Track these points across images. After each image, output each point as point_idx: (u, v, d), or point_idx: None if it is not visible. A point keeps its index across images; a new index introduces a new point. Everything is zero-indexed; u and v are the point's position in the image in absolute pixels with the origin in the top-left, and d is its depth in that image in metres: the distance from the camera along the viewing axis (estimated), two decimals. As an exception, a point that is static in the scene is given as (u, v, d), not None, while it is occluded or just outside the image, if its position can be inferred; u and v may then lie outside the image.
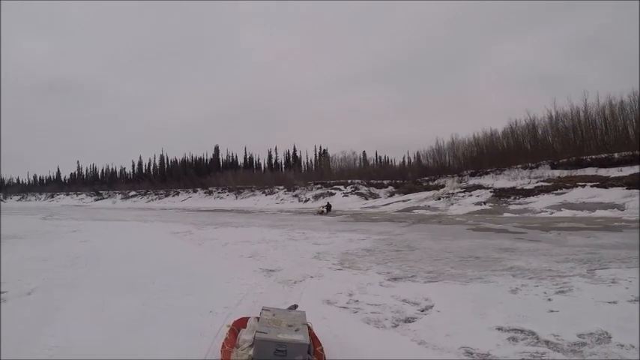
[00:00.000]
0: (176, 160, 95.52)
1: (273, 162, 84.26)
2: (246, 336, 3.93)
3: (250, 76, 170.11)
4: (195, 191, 75.60)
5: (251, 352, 3.72)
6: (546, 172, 33.93)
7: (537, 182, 32.04)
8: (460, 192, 34.94)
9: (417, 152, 59.86)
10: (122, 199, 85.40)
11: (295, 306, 4.67)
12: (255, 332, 3.71)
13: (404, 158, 68.10)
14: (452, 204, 32.18)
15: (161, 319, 5.36)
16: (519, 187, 32.08)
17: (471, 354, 4.01)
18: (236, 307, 5.82)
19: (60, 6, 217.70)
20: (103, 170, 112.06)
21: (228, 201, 62.42)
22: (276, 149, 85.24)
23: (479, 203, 30.91)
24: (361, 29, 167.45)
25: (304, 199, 53.02)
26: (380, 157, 73.12)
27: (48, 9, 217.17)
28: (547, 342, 4.25)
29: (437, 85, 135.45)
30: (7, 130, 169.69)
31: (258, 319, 4.11)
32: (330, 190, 52.78)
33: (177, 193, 77.97)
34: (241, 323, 4.33)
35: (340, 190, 52.09)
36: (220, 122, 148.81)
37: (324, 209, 33.83)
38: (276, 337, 3.62)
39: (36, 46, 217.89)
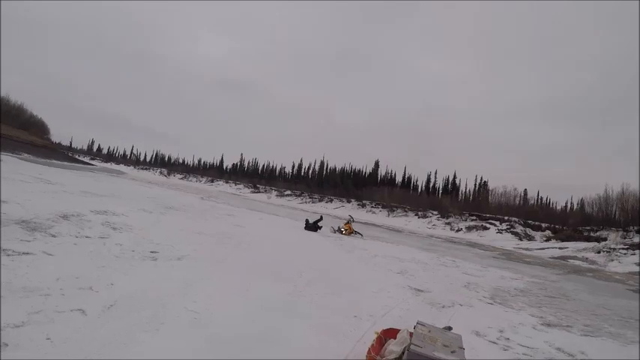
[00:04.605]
0: (335, 167, 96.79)
1: (430, 186, 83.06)
2: (394, 347, 3.88)
3: (417, 95, 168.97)
4: (349, 201, 75.82)
5: None
6: None
7: None
8: (623, 248, 32.48)
9: (582, 198, 56.48)
10: (277, 196, 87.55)
11: (450, 328, 4.48)
12: (410, 344, 3.55)
13: (566, 203, 63.72)
14: (612, 260, 29.44)
15: (304, 311, 5.56)
16: (690, 251, 28.55)
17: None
18: (382, 317, 5.89)
19: (245, 8, 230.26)
20: (263, 166, 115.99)
21: (380, 217, 61.97)
22: (435, 173, 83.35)
23: (642, 263, 28.23)
24: (540, 58, 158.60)
25: (456, 229, 51.85)
26: (541, 198, 69.48)
27: (234, 12, 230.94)
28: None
29: (611, 129, 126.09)
30: (183, 116, 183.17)
31: (411, 333, 3.98)
32: (484, 224, 51.22)
33: (331, 200, 78.73)
34: (391, 334, 4.31)
35: (495, 225, 50.29)
36: (383, 137, 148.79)
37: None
38: (432, 354, 3.41)
39: (218, 46, 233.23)
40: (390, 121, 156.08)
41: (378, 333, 4.34)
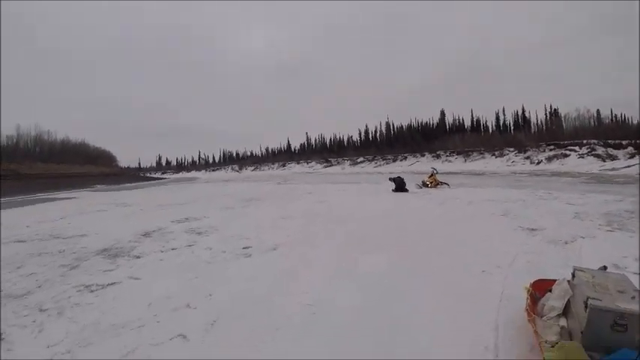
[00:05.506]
0: (402, 125, 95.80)
1: (500, 124, 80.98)
2: (554, 302, 3.25)
3: (470, 37, 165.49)
4: (422, 155, 74.41)
5: (561, 321, 3.08)
6: None
7: None
8: None
9: (658, 106, 54.06)
10: (350, 165, 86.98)
11: (605, 267, 3.63)
12: (588, 298, 2.80)
13: (641, 114, 61.48)
14: None
15: (423, 277, 5.09)
16: None
17: None
18: (509, 266, 5.41)
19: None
20: (330, 139, 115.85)
21: (457, 164, 60.78)
22: (503, 110, 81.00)
23: None
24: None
25: (536, 161, 50.21)
26: (615, 116, 66.68)
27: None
28: None
29: None
30: (243, 112, 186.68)
31: (569, 281, 3.34)
32: (564, 152, 49.43)
33: (405, 158, 77.62)
34: (542, 286, 3.69)
35: (575, 151, 48.47)
36: (444, 87, 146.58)
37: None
38: (615, 306, 2.68)
39: (268, 34, 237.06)
40: (448, 69, 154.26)
41: (528, 288, 3.71)
